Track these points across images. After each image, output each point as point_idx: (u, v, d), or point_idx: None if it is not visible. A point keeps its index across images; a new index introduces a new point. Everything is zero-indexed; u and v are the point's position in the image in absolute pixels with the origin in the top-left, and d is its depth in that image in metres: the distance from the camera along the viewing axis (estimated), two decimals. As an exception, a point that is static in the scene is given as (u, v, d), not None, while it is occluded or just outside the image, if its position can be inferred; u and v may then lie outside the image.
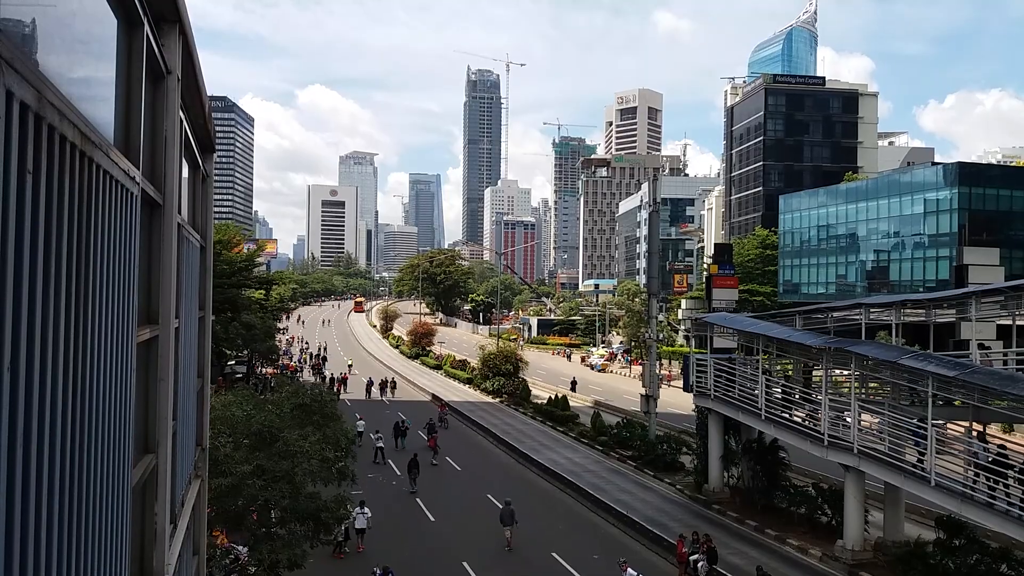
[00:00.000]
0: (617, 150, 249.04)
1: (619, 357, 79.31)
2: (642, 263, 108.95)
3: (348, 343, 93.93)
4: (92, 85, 3.25)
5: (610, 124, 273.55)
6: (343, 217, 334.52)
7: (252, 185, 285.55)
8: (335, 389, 49.91)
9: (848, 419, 22.59)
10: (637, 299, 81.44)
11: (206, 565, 10.08)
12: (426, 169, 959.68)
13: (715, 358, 29.39)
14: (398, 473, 32.89)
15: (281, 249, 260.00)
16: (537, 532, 25.52)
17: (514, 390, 52.99)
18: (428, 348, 78.97)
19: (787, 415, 25.87)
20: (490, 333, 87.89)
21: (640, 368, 62.32)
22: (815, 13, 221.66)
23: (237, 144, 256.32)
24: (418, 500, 29.27)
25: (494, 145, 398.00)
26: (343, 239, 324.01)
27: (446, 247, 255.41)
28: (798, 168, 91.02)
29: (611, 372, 74.26)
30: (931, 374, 18.87)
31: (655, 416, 37.48)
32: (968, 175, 60.02)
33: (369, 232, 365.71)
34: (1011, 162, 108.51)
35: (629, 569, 19.94)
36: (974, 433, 21.14)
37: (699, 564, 21.12)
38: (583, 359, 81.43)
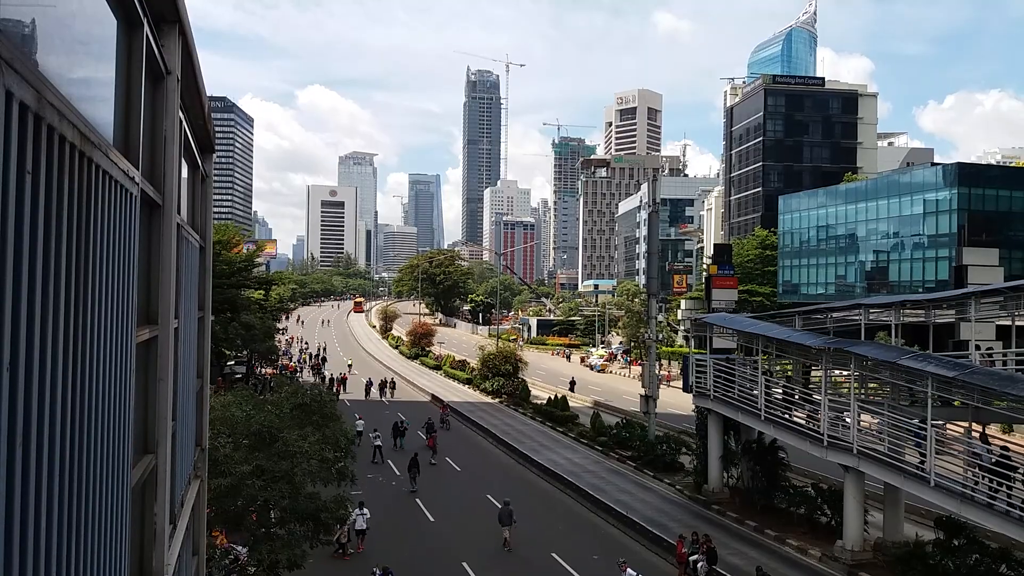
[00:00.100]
0: (617, 150, 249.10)
1: (618, 357, 79.25)
2: (641, 263, 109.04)
3: (347, 343, 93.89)
4: (92, 85, 3.25)
5: (610, 124, 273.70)
6: (342, 217, 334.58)
7: (251, 185, 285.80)
8: (334, 389, 49.91)
9: (847, 419, 22.59)
10: (636, 299, 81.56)
11: (206, 565, 10.07)
12: (426, 169, 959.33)
13: (714, 358, 29.38)
14: (397, 473, 32.90)
15: (280, 249, 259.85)
16: (537, 532, 25.52)
17: (514, 390, 52.98)
18: (427, 348, 78.93)
19: (787, 415, 25.86)
20: (489, 333, 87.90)
21: (639, 368, 62.37)
22: (815, 14, 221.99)
23: (237, 144, 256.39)
24: (418, 500, 29.28)
25: (494, 145, 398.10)
26: (342, 239, 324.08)
27: (446, 247, 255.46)
28: (798, 169, 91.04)
29: (610, 372, 74.22)
30: (931, 374, 18.88)
31: (655, 416, 37.47)
32: (967, 176, 59.99)
33: (368, 232, 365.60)
34: (1011, 163, 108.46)
35: (628, 569, 19.93)
36: (976, 434, 21.14)
37: (699, 564, 21.12)
38: (582, 359, 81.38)
